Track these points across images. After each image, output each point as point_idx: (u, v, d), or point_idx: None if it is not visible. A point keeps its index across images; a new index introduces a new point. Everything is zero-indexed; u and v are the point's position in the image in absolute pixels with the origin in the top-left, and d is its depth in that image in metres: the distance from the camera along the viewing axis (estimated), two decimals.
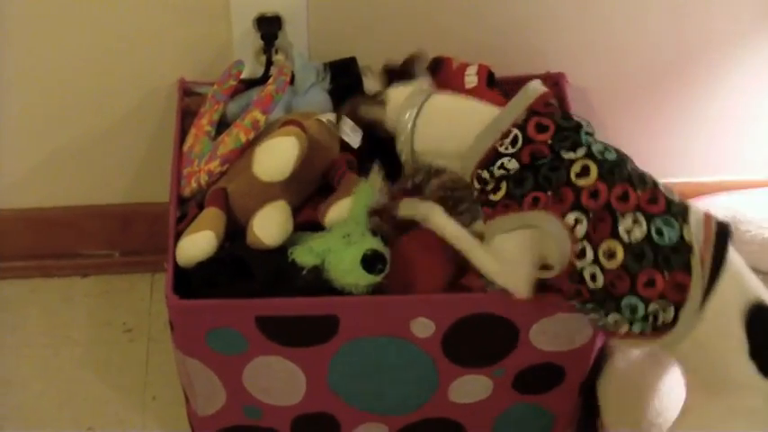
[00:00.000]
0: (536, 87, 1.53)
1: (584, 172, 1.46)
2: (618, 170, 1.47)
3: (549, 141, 1.48)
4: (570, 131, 1.49)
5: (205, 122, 1.79)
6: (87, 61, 1.89)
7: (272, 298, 1.58)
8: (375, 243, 1.61)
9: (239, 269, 1.60)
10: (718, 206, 1.85)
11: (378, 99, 1.63)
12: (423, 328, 1.61)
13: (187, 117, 1.84)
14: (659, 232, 1.43)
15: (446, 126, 1.58)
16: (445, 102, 1.60)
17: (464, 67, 1.76)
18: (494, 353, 1.66)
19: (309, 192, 1.73)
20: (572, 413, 1.79)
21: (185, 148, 1.78)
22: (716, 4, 1.89)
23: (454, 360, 1.66)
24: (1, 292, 2.11)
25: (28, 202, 2.07)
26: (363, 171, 1.72)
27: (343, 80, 1.85)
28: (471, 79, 1.75)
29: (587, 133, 1.50)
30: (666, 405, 1.65)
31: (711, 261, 1.41)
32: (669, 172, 2.05)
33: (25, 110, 1.95)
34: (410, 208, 1.62)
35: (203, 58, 1.89)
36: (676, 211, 1.44)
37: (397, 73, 1.67)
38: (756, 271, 1.71)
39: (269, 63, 1.86)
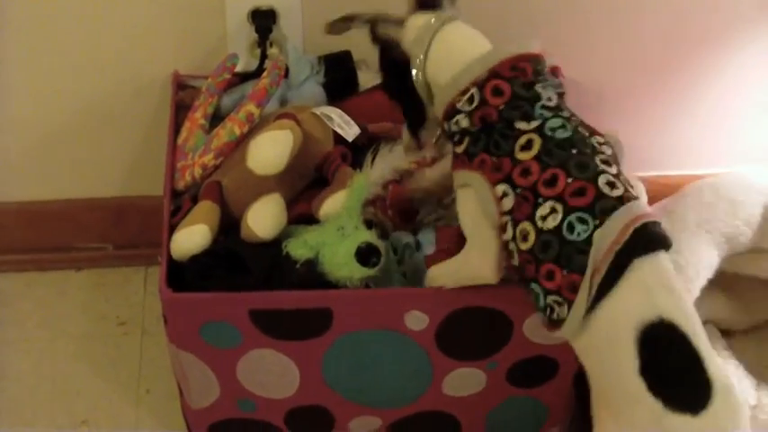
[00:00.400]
0: (509, 49, 1.49)
1: (528, 146, 1.43)
2: (560, 151, 1.41)
3: (501, 107, 1.45)
4: (525, 101, 1.45)
5: (199, 116, 1.79)
6: (81, 54, 1.89)
7: (265, 291, 1.58)
8: (369, 236, 1.61)
9: (234, 262, 1.60)
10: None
11: (400, 21, 1.58)
12: (416, 321, 1.61)
13: (181, 110, 1.84)
14: (570, 227, 1.37)
15: (445, 60, 1.53)
16: (453, 34, 1.55)
17: None
18: (487, 346, 1.66)
19: (304, 185, 1.73)
20: (565, 405, 1.79)
21: (179, 141, 1.78)
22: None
23: (448, 353, 1.66)
24: None
25: (22, 196, 2.07)
26: (358, 163, 1.73)
27: (338, 74, 1.85)
28: None
29: (545, 107, 1.45)
30: None
31: (606, 272, 1.34)
32: (665, 165, 2.08)
33: (18, 103, 1.95)
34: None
35: (198, 52, 1.89)
36: (600, 209, 1.37)
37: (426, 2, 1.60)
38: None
39: (263, 56, 1.87)
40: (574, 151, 1.42)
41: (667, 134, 2.05)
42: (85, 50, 1.89)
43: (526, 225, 1.40)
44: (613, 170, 1.42)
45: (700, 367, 1.32)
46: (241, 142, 1.71)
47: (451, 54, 1.52)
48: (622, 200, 1.38)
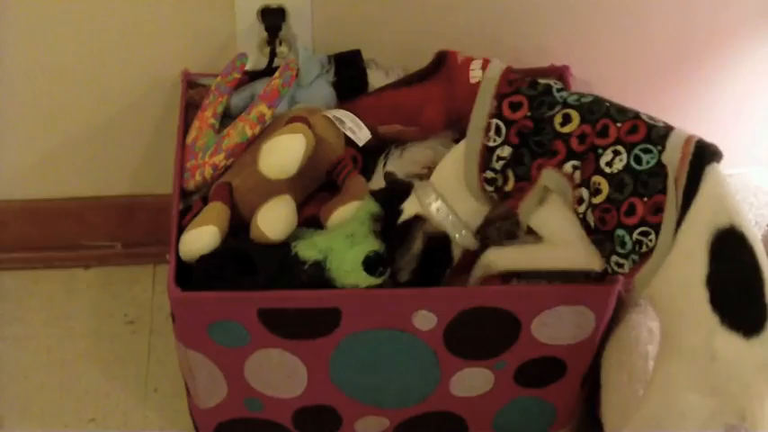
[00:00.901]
0: (493, 74, 1.57)
1: (567, 120, 1.51)
2: (596, 107, 1.51)
3: (529, 113, 1.52)
4: (543, 96, 1.54)
5: (209, 115, 1.79)
6: (91, 53, 1.89)
7: (274, 291, 1.58)
8: (378, 245, 1.61)
9: (242, 263, 1.60)
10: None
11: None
12: (424, 320, 1.61)
13: (191, 109, 1.84)
14: (637, 159, 1.45)
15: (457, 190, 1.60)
16: (442, 173, 1.62)
17: (469, 61, 1.76)
18: (495, 346, 1.66)
19: (315, 187, 1.73)
20: (573, 406, 1.79)
21: (189, 140, 1.78)
22: None
23: (456, 353, 1.66)
24: (3, 283, 2.11)
25: (31, 194, 2.07)
26: (368, 166, 1.73)
27: (348, 73, 1.84)
28: (476, 74, 1.74)
29: (559, 90, 1.55)
30: None
31: (686, 180, 1.41)
32: None
33: (28, 101, 1.95)
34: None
35: (207, 50, 1.89)
36: (656, 137, 1.46)
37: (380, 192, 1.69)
38: None
39: (273, 55, 1.86)
40: (607, 104, 1.52)
41: None
42: (94, 49, 1.89)
43: (596, 178, 1.48)
44: (644, 113, 1.51)
45: (760, 289, 1.38)
46: (252, 143, 1.71)
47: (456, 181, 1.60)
48: (668, 127, 1.49)
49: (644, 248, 1.44)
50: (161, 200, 1.89)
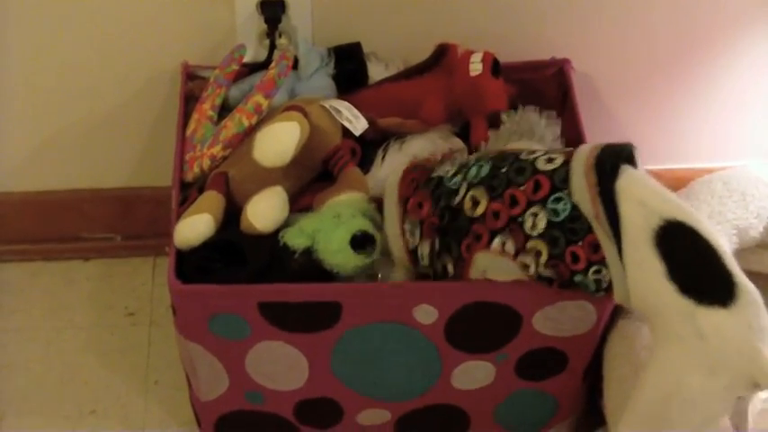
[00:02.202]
0: (393, 181, 1.62)
1: (475, 203, 1.52)
2: (497, 180, 1.52)
3: (432, 209, 1.56)
4: (438, 187, 1.56)
5: (207, 107, 1.79)
6: (90, 44, 1.89)
7: (275, 284, 1.58)
8: (365, 224, 1.61)
9: (233, 255, 1.60)
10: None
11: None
12: (426, 314, 1.61)
13: (190, 101, 1.83)
14: (554, 212, 1.47)
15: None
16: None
17: (469, 54, 1.76)
18: (496, 339, 1.66)
19: (311, 177, 1.73)
20: (576, 399, 1.79)
21: (188, 132, 1.78)
22: None
23: (457, 346, 1.66)
24: (2, 275, 2.11)
25: (30, 186, 2.07)
26: (367, 158, 1.73)
27: (348, 65, 1.84)
28: (476, 67, 1.74)
29: (450, 178, 1.56)
30: None
31: (603, 208, 1.44)
32: (676, 158, 2.07)
33: (28, 93, 1.95)
34: None
35: (207, 42, 1.88)
36: (559, 182, 1.48)
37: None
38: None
39: (272, 47, 1.86)
40: (504, 169, 1.52)
41: (679, 128, 2.04)
42: (94, 41, 1.88)
43: (530, 244, 1.49)
44: (541, 152, 1.53)
45: (719, 262, 1.42)
46: (249, 133, 1.70)
47: None
48: (567, 160, 1.49)
49: (604, 284, 1.47)
50: (160, 192, 1.90)
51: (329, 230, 1.59)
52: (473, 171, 1.55)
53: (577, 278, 1.48)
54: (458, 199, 1.54)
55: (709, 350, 1.40)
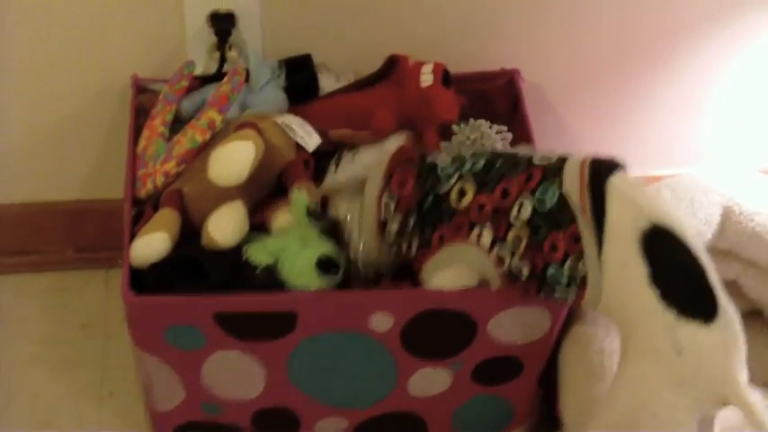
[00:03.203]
0: (387, 150, 1.64)
1: (462, 194, 1.53)
2: (490, 175, 1.53)
3: (416, 189, 1.56)
4: (428, 173, 1.57)
5: (158, 123, 1.78)
6: (39, 57, 1.88)
7: (230, 294, 1.58)
8: (330, 249, 1.61)
9: (193, 270, 1.61)
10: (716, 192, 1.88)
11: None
12: (381, 322, 1.62)
13: (141, 114, 1.82)
14: (541, 202, 1.47)
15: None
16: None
17: (419, 65, 1.77)
18: (452, 346, 1.67)
19: (266, 193, 1.73)
20: (531, 404, 1.81)
21: (139, 149, 1.77)
22: None
23: (413, 353, 1.67)
24: None
25: None
26: (321, 169, 1.74)
27: (299, 77, 1.84)
28: (427, 78, 1.75)
29: (444, 168, 1.56)
30: None
31: (590, 200, 1.44)
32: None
33: None
34: None
35: (157, 55, 1.88)
36: (551, 173, 1.48)
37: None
38: (742, 259, 1.77)
39: (222, 60, 1.86)
40: (499, 163, 1.53)
41: (627, 135, 2.06)
42: (42, 54, 1.87)
43: (511, 233, 1.49)
44: (538, 153, 1.54)
45: (703, 275, 1.42)
46: (203, 149, 1.71)
47: None
48: (562, 158, 1.50)
49: (577, 279, 1.46)
50: (112, 204, 1.89)
51: (295, 252, 1.60)
52: (468, 165, 1.55)
53: (550, 271, 1.48)
54: (446, 188, 1.54)
55: (684, 366, 1.40)
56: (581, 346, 1.70)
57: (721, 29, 1.96)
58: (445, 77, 1.76)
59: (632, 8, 1.91)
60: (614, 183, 1.46)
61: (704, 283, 1.42)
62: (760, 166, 2.08)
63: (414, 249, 1.58)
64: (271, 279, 1.60)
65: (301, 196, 1.63)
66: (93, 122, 1.95)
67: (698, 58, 1.99)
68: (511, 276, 1.52)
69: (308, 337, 1.63)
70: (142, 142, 1.78)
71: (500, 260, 1.52)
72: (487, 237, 1.51)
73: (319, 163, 1.77)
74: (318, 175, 1.76)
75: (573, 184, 1.46)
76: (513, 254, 1.50)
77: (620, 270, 1.43)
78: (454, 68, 1.79)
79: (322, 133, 1.76)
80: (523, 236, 1.49)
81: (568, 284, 1.48)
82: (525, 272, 1.51)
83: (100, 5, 1.83)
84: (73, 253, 2.13)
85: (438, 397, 1.74)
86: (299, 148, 1.73)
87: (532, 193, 1.48)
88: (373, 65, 1.82)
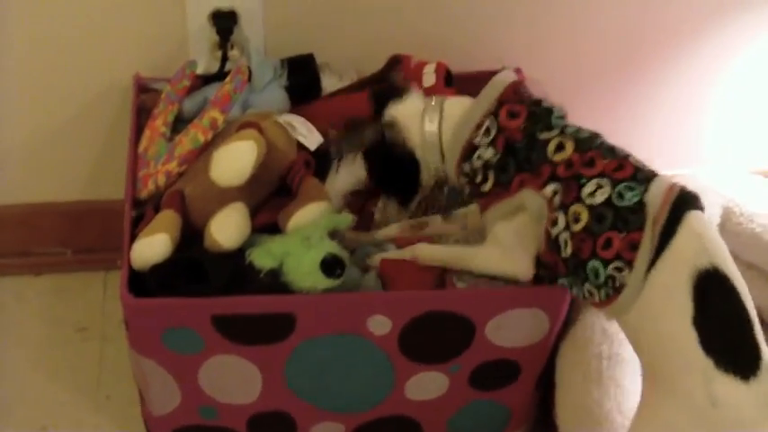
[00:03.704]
0: (504, 78, 1.59)
1: (560, 147, 1.52)
2: (589, 142, 1.53)
3: (522, 126, 1.54)
4: (542, 115, 1.55)
5: (159, 123, 1.78)
6: (40, 56, 1.88)
7: (228, 297, 1.57)
8: (334, 248, 1.61)
9: (195, 272, 1.59)
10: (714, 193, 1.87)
11: (384, 123, 1.63)
12: (379, 325, 1.61)
13: (143, 113, 1.83)
14: (620, 195, 1.46)
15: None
16: (460, 103, 1.62)
17: (422, 65, 1.77)
18: (450, 349, 1.66)
19: (267, 193, 1.72)
20: (528, 408, 1.80)
21: (140, 149, 1.77)
22: None
23: (410, 357, 1.66)
24: None
25: None
26: (320, 169, 1.72)
27: (301, 77, 1.85)
28: (429, 78, 1.75)
29: (559, 116, 1.56)
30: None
31: (665, 221, 1.42)
32: None
33: None
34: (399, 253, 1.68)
35: (159, 54, 1.88)
36: (641, 177, 1.48)
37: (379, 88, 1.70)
38: (742, 261, 1.75)
39: (224, 58, 1.86)
40: (600, 141, 1.54)
41: (628, 136, 2.01)
42: (43, 54, 1.88)
43: (576, 207, 1.49)
44: (635, 156, 1.53)
45: (749, 330, 1.39)
46: (205, 149, 1.70)
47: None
48: (655, 172, 1.50)
49: (617, 283, 1.45)
50: (112, 205, 1.89)
51: (299, 254, 1.59)
52: (573, 127, 1.55)
53: (594, 264, 1.46)
54: (547, 136, 1.54)
55: (719, 420, 1.37)
56: (578, 351, 1.69)
57: (722, 29, 1.96)
58: (447, 77, 1.76)
59: (634, 8, 1.92)
60: (693, 216, 1.44)
61: (749, 338, 1.39)
62: (760, 167, 2.08)
63: (489, 185, 1.56)
64: (274, 282, 1.59)
65: (346, 218, 1.65)
66: (94, 122, 1.96)
67: (699, 58, 2.00)
68: (553, 245, 1.51)
69: (305, 340, 1.62)
70: (143, 142, 1.77)
71: (554, 223, 1.51)
72: (558, 199, 1.51)
73: (320, 163, 1.76)
74: (319, 175, 1.74)
75: (657, 196, 1.45)
76: (567, 226, 1.49)
77: (664, 295, 1.41)
78: (456, 67, 1.80)
79: (324, 133, 1.75)
80: (584, 217, 1.47)
81: (602, 285, 1.46)
82: (568, 251, 1.49)
83: (101, 5, 1.84)
84: (72, 255, 2.12)
85: (435, 401, 1.73)
86: (300, 147, 1.72)
87: (616, 182, 1.47)
88: (376, 64, 1.82)
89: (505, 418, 1.80)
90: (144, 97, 1.86)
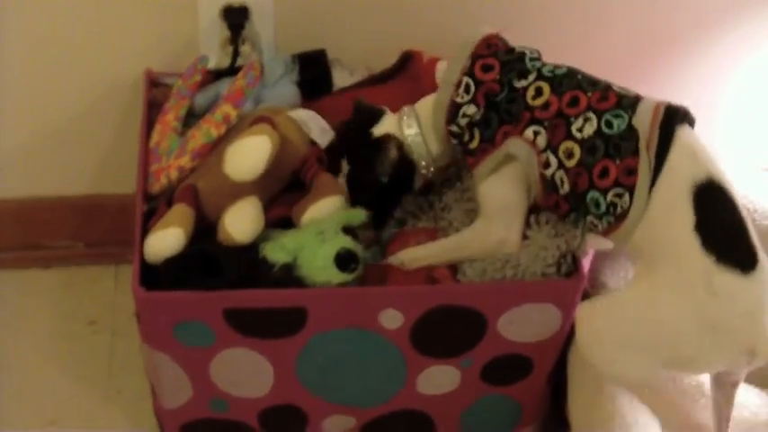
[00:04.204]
0: (474, 34, 1.62)
1: (538, 93, 1.55)
2: (567, 80, 1.56)
3: (498, 77, 1.57)
4: (515, 62, 1.58)
5: (171, 118, 1.78)
6: (54, 51, 1.88)
7: (240, 290, 1.57)
8: (349, 242, 1.61)
9: (209, 265, 1.60)
10: None
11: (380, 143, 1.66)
12: (391, 319, 1.62)
13: (154, 108, 1.82)
14: (608, 124, 1.51)
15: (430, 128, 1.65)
16: (423, 110, 1.65)
17: (434, 61, 1.77)
18: (462, 343, 1.67)
19: (280, 188, 1.72)
20: (540, 404, 1.81)
21: (151, 144, 1.77)
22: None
23: (422, 351, 1.66)
24: None
25: None
26: (333, 168, 1.72)
27: (312, 72, 1.85)
28: None
29: (532, 59, 1.59)
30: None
31: (657, 141, 1.48)
32: None
33: None
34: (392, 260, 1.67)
35: (170, 49, 1.88)
36: (627, 104, 1.52)
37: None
38: None
39: (235, 54, 1.86)
40: (579, 77, 1.57)
41: None
42: (57, 48, 1.88)
43: (567, 144, 1.53)
44: (617, 85, 1.57)
45: (745, 231, 1.47)
46: (218, 144, 1.70)
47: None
48: (638, 96, 1.54)
49: (618, 210, 1.50)
50: (123, 199, 1.89)
51: (313, 248, 1.59)
52: (549, 66, 1.58)
53: (594, 194, 1.51)
54: (524, 83, 1.56)
55: (717, 308, 1.44)
56: None
57: (730, 32, 1.97)
58: None
59: (643, 11, 1.92)
60: (682, 132, 1.49)
61: (746, 238, 1.47)
62: None
63: (476, 142, 1.58)
64: (287, 277, 1.60)
65: (359, 213, 1.64)
66: (105, 117, 1.96)
67: (710, 58, 2.00)
68: (550, 186, 1.54)
69: (317, 334, 1.62)
70: (155, 137, 1.77)
71: (546, 165, 1.54)
72: (542, 140, 1.54)
73: (331, 159, 1.75)
74: (331, 171, 1.73)
75: (645, 119, 1.49)
76: (560, 164, 1.53)
77: (666, 211, 1.47)
78: None
79: (335, 129, 1.75)
80: (576, 152, 1.51)
81: (605, 213, 1.51)
82: (566, 187, 1.53)
83: (114, 1, 1.83)
84: (82, 248, 2.12)
85: (447, 396, 1.74)
86: (311, 143, 1.73)
87: (602, 113, 1.51)
88: (387, 60, 1.82)
89: (517, 413, 1.80)
90: (155, 92, 1.85)
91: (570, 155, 1.52)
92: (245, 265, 1.59)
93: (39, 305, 2.07)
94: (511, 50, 1.60)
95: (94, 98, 1.93)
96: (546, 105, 1.54)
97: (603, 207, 1.51)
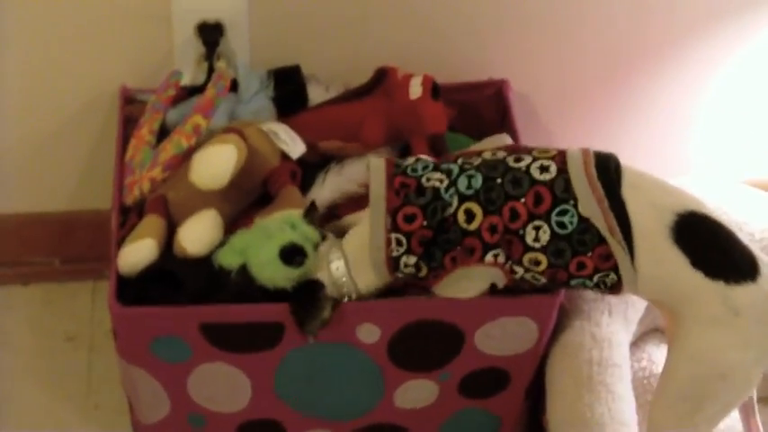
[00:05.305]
0: (378, 191, 1.54)
1: (470, 216, 1.51)
2: (491, 193, 1.50)
3: (425, 223, 1.51)
4: (432, 201, 1.52)
5: (145, 132, 1.78)
6: (28, 68, 1.88)
7: (216, 305, 1.58)
8: (294, 236, 1.59)
9: (172, 280, 1.60)
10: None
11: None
12: (368, 334, 1.62)
13: (129, 124, 1.82)
14: (561, 225, 1.49)
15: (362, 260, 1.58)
16: (354, 240, 1.60)
17: (409, 77, 1.77)
18: (439, 357, 1.67)
19: (249, 201, 1.72)
20: (518, 417, 1.81)
21: (126, 158, 1.77)
22: (653, 9, 1.92)
23: (400, 365, 1.67)
24: None
25: None
26: (308, 181, 1.73)
27: (288, 88, 1.84)
28: (416, 90, 1.74)
29: (448, 188, 1.52)
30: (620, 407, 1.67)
31: (615, 217, 1.47)
32: None
33: None
34: None
35: (145, 66, 1.88)
36: (560, 190, 1.49)
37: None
38: None
39: (211, 70, 1.86)
40: (499, 180, 1.51)
41: (615, 146, 2.00)
42: (30, 65, 1.87)
43: (529, 255, 1.50)
44: (529, 158, 1.53)
45: (735, 241, 1.49)
46: (188, 155, 1.69)
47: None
48: (561, 169, 1.50)
49: (609, 283, 1.51)
50: (100, 215, 1.89)
51: (258, 245, 1.58)
52: (463, 181, 1.52)
53: (575, 282, 1.52)
54: (451, 210, 1.52)
55: (745, 324, 1.46)
56: (569, 357, 1.69)
57: (708, 40, 1.97)
58: (434, 90, 1.76)
59: (621, 20, 1.92)
60: (628, 192, 1.49)
61: (738, 247, 1.48)
62: (747, 176, 2.09)
63: (424, 272, 1.55)
64: (247, 281, 1.58)
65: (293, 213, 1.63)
66: (81, 133, 1.95)
67: (686, 69, 2.00)
68: (525, 283, 1.55)
69: (294, 349, 1.62)
70: (130, 151, 1.77)
71: (513, 272, 1.53)
72: (502, 257, 1.52)
73: (307, 175, 1.76)
74: (305, 187, 1.75)
75: (591, 207, 1.48)
76: (527, 270, 1.52)
77: (658, 267, 1.49)
78: (442, 79, 1.79)
79: (311, 145, 1.75)
80: (542, 260, 1.50)
81: (595, 287, 1.53)
82: (544, 280, 1.54)
83: (88, 16, 1.83)
84: (60, 264, 2.12)
85: (425, 409, 1.74)
86: (286, 157, 1.73)
87: (548, 216, 1.49)
88: (363, 77, 1.82)
89: (495, 427, 1.81)
90: (130, 108, 1.85)
91: (537, 263, 1.51)
92: (204, 276, 1.59)
93: (17, 321, 2.06)
94: (421, 190, 1.53)
95: (70, 115, 1.93)
96: (493, 228, 1.49)
97: (591, 286, 1.53)
